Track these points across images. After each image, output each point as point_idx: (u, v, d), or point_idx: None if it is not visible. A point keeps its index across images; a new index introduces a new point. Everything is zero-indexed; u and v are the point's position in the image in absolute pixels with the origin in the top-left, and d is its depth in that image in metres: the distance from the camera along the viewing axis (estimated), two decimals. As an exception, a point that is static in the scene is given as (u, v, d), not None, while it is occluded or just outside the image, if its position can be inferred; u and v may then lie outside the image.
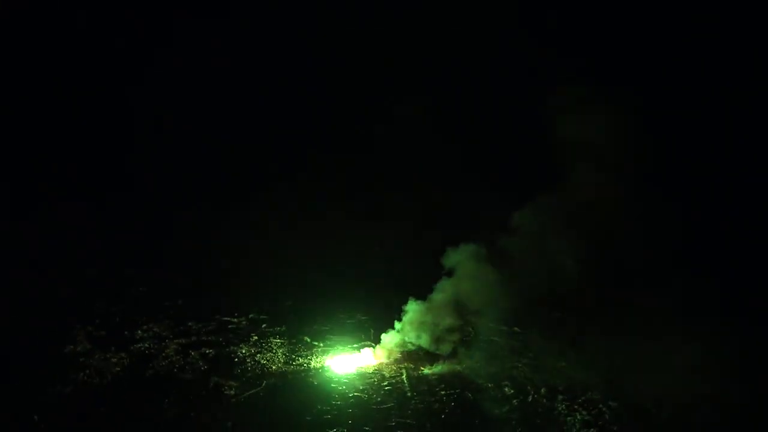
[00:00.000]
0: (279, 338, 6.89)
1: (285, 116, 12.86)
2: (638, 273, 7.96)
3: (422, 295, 6.77)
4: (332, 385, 5.78)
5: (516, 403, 5.45)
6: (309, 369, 6.14)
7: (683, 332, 6.63)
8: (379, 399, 5.50)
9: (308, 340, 6.88)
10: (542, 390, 5.69)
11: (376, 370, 6.15)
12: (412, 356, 6.43)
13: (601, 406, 5.35)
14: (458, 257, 6.84)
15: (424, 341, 6.45)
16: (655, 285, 7.61)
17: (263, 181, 12.20)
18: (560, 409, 5.34)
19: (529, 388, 5.74)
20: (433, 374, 6.06)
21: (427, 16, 11.87)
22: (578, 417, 5.18)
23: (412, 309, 6.59)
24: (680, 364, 6.11)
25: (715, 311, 6.94)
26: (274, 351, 6.53)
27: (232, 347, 6.56)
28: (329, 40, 12.36)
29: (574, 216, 7.01)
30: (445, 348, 6.47)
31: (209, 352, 6.39)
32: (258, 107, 12.70)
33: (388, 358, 6.38)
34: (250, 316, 7.55)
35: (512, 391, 5.68)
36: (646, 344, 6.50)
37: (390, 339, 6.49)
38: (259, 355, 6.41)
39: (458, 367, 6.17)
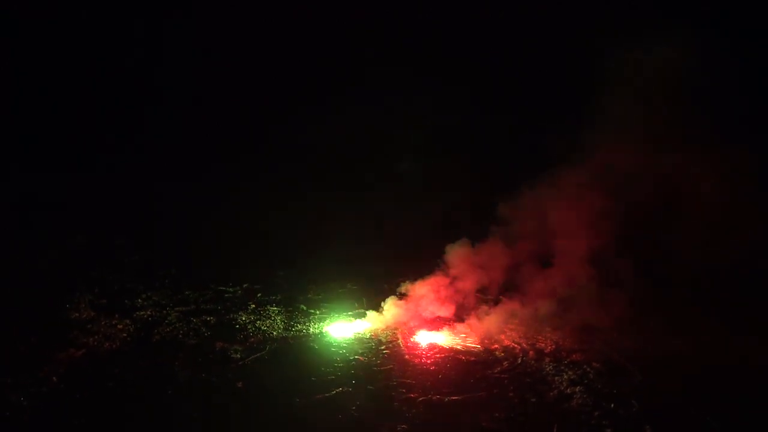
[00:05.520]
0: (275, 306, 7.14)
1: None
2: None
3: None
4: (332, 349, 6.06)
5: (506, 365, 5.83)
6: (308, 334, 6.41)
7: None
8: (378, 361, 5.80)
9: (304, 308, 7.13)
10: (530, 353, 6.10)
11: (372, 335, 6.45)
12: (406, 322, 6.76)
13: (585, 366, 5.78)
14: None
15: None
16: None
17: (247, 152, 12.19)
18: (548, 369, 5.74)
19: (517, 351, 6.15)
20: (426, 339, 6.40)
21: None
22: (565, 376, 5.59)
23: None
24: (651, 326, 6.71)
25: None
26: (272, 318, 6.77)
27: (231, 314, 6.79)
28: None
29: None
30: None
31: (210, 319, 6.61)
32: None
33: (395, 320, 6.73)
34: (245, 285, 7.77)
35: (502, 354, 6.07)
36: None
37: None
38: (258, 322, 6.64)
39: (451, 334, 6.53)
